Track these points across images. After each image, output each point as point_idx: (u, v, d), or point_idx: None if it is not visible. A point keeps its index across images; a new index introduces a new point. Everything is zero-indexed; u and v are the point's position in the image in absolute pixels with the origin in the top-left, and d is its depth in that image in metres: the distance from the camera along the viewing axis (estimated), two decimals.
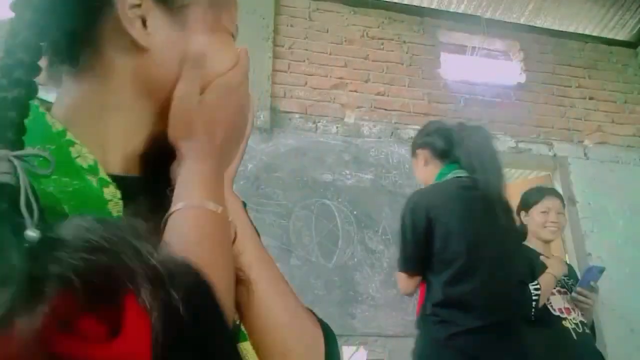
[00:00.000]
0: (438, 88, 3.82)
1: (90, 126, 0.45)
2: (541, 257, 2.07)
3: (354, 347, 2.88)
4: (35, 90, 0.39)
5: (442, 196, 1.69)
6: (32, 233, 0.32)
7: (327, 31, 3.72)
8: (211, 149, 0.47)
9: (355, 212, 3.23)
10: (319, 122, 3.43)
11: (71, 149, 0.43)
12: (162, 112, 0.47)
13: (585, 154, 3.94)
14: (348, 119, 3.51)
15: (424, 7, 4.05)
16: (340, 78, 3.58)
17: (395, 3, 3.96)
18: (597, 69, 4.28)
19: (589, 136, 4.03)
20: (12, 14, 0.41)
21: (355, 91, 3.61)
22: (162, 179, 0.48)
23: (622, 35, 4.45)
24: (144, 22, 0.45)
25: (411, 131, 3.62)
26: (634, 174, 3.93)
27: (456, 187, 1.70)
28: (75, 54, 0.46)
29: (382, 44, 3.84)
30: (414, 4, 4.02)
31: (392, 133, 3.56)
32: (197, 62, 0.47)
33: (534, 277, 1.92)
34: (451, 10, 4.12)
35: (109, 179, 0.43)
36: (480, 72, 4.22)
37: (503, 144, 3.80)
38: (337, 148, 3.37)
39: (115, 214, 0.42)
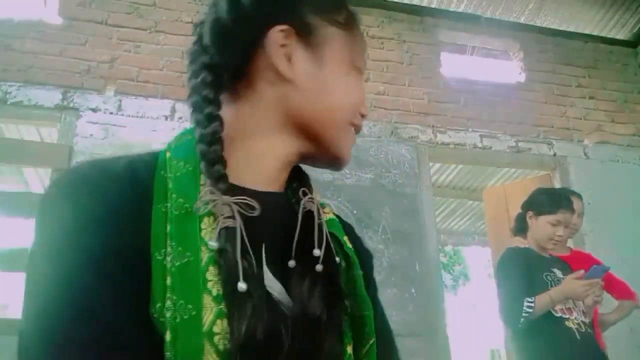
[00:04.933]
0: (438, 87, 3.82)
1: (241, 146, 0.54)
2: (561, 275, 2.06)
3: None
4: (223, 124, 0.51)
5: None
6: (242, 285, 0.43)
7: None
8: None
9: (355, 212, 3.23)
10: None
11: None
12: (299, 136, 0.56)
13: (585, 154, 3.94)
14: None
15: (424, 7, 4.05)
16: None
17: (396, 2, 3.95)
18: (597, 69, 4.28)
19: (589, 135, 4.02)
20: (190, 59, 0.56)
21: None
22: (290, 193, 0.58)
23: (622, 35, 4.45)
24: (289, 58, 0.54)
25: (411, 130, 3.61)
26: (634, 173, 3.93)
27: None
28: (235, 85, 0.55)
29: (382, 43, 3.83)
30: (414, 3, 4.01)
31: (392, 132, 3.56)
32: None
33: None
34: (451, 9, 4.12)
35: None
36: (480, 71, 4.22)
37: (503, 143, 3.79)
38: None
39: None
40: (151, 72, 3.24)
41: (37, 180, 5.01)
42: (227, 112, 0.53)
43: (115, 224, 0.43)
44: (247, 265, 0.45)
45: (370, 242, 3.19)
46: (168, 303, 0.41)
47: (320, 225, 0.53)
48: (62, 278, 0.40)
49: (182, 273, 0.42)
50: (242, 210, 0.46)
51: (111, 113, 3.06)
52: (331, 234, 0.54)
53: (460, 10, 4.13)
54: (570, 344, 1.90)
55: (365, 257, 0.63)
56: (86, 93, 3.08)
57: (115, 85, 3.15)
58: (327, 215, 0.56)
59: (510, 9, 4.19)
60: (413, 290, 3.16)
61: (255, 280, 0.45)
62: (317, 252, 0.51)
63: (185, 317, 0.40)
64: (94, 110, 3.04)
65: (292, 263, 0.50)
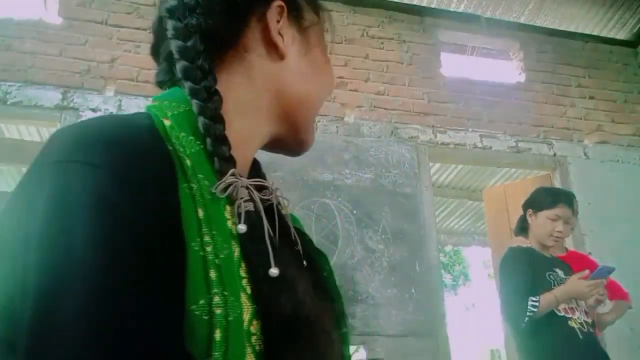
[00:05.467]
0: (438, 87, 3.82)
1: (234, 124, 0.48)
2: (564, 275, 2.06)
3: (354, 347, 2.88)
4: (222, 99, 0.46)
5: None
6: (274, 270, 0.41)
7: (327, 30, 3.71)
8: None
9: (355, 212, 3.23)
10: (318, 121, 3.41)
11: None
12: (277, 117, 0.53)
13: (585, 154, 3.94)
14: (348, 118, 3.51)
15: (424, 7, 4.05)
16: (341, 77, 3.58)
17: (396, 2, 3.95)
18: (597, 69, 4.28)
19: (588, 135, 4.02)
20: (167, 14, 0.48)
21: (355, 90, 3.60)
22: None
23: (622, 35, 4.45)
24: (281, 36, 0.52)
25: (411, 130, 3.61)
26: (634, 173, 3.93)
27: None
28: (221, 54, 0.51)
29: (382, 43, 3.83)
30: (414, 3, 4.01)
31: (392, 132, 3.56)
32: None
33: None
34: (451, 9, 4.12)
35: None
36: (480, 71, 4.22)
37: (503, 143, 3.79)
38: (337, 147, 3.37)
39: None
40: (151, 72, 3.19)
41: None
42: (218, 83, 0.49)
43: (156, 205, 0.37)
44: (279, 248, 0.44)
45: (370, 242, 3.19)
46: (217, 299, 0.37)
47: (283, 219, 0.52)
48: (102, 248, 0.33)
49: (227, 267, 0.39)
50: (257, 193, 0.46)
51: (111, 113, 3.06)
52: (296, 230, 0.54)
53: (460, 10, 4.13)
54: (573, 344, 1.90)
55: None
56: (86, 93, 3.08)
57: (116, 85, 3.15)
58: (285, 210, 0.54)
59: (510, 9, 4.19)
60: (413, 290, 3.16)
61: (288, 263, 0.44)
62: (298, 248, 0.52)
63: (236, 315, 0.38)
64: (94, 110, 3.04)
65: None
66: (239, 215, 0.42)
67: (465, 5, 4.12)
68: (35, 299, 0.32)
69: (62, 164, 0.35)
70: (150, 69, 3.25)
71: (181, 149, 0.41)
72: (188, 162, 0.41)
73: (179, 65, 0.46)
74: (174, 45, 0.47)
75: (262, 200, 0.47)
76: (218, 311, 0.37)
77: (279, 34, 0.52)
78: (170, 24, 0.48)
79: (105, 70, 3.16)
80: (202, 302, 0.37)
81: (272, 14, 0.51)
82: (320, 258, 0.57)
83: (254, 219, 0.44)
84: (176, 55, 0.46)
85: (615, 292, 2.47)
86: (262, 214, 0.44)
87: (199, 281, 0.37)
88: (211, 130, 0.43)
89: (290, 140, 0.56)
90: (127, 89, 3.16)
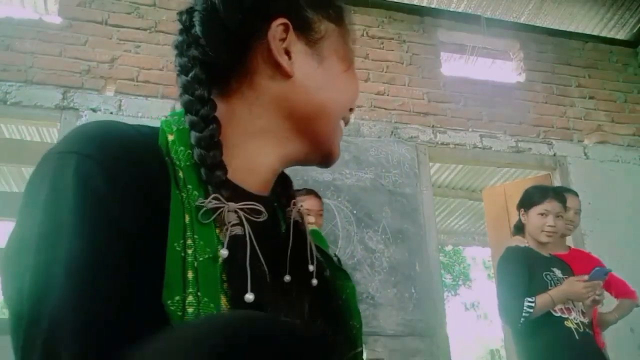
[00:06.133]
0: (438, 87, 3.82)
1: (238, 145, 0.51)
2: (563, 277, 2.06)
3: None
4: (220, 127, 0.48)
5: None
6: (249, 296, 0.42)
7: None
8: None
9: (355, 212, 3.23)
10: None
11: None
12: (295, 134, 0.53)
13: (585, 154, 3.94)
14: None
15: (424, 7, 4.05)
16: None
17: (396, 2, 3.95)
18: (597, 69, 4.28)
19: (588, 135, 4.03)
20: (176, 51, 0.52)
21: None
22: (274, 196, 0.56)
23: (622, 35, 4.45)
24: (287, 54, 0.51)
25: (411, 130, 3.62)
26: (634, 173, 3.93)
27: None
28: (228, 80, 0.52)
29: (382, 43, 3.83)
30: (414, 3, 4.01)
31: (392, 132, 3.56)
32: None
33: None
34: (451, 9, 4.12)
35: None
36: (480, 71, 4.22)
37: (503, 143, 3.80)
38: None
39: None
40: (151, 72, 3.24)
41: None
42: (220, 109, 0.50)
43: (139, 198, 0.41)
44: (260, 274, 0.44)
45: (370, 242, 3.19)
46: (190, 299, 0.40)
47: (304, 236, 0.53)
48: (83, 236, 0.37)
49: (205, 269, 0.41)
50: (248, 216, 0.46)
51: (111, 113, 3.06)
52: (316, 247, 0.54)
53: (460, 10, 4.13)
54: (569, 344, 1.90)
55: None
56: (86, 93, 3.08)
57: (116, 85, 3.15)
58: (310, 226, 0.56)
59: (510, 9, 4.19)
60: (413, 290, 3.16)
61: (266, 290, 0.44)
62: (311, 267, 0.52)
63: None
64: (94, 110, 3.04)
65: (287, 278, 0.51)
66: (225, 239, 0.44)
67: (465, 5, 4.12)
68: (35, 265, 0.37)
69: (62, 154, 0.41)
70: (150, 68, 3.25)
71: (177, 162, 0.45)
72: (181, 174, 0.45)
73: (181, 100, 0.49)
74: (178, 80, 0.50)
75: (257, 222, 0.47)
76: (190, 310, 0.39)
77: (286, 51, 0.51)
78: (175, 60, 0.52)
79: (105, 70, 3.16)
80: (177, 298, 0.40)
81: (274, 34, 0.50)
82: (342, 277, 0.56)
83: (241, 242, 0.44)
84: (179, 90, 0.50)
85: (621, 290, 2.44)
86: (249, 238, 0.45)
87: (177, 279, 0.40)
88: (206, 160, 0.46)
89: (314, 154, 0.56)
90: (127, 89, 3.16)
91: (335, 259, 0.58)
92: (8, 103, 2.93)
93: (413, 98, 3.73)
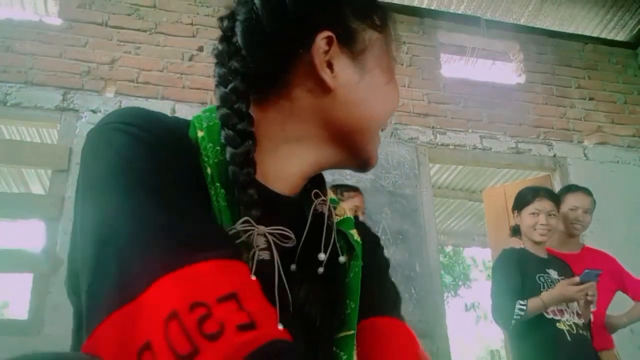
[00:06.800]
0: (438, 89, 3.82)
1: (271, 150, 0.51)
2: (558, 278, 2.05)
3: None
4: (256, 143, 0.48)
5: None
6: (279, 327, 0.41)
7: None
8: None
9: None
10: None
11: None
12: (332, 144, 0.53)
13: (585, 155, 3.94)
14: None
15: (423, 8, 4.05)
16: None
17: (395, 3, 3.96)
18: (597, 70, 4.28)
19: (588, 136, 4.03)
20: (215, 61, 0.51)
21: None
22: (304, 194, 0.56)
23: (622, 36, 4.45)
24: (330, 66, 0.50)
25: (411, 132, 3.62)
26: (634, 174, 3.93)
27: None
28: (265, 90, 0.51)
29: None
30: (414, 4, 4.02)
31: (392, 133, 3.56)
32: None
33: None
34: (451, 11, 4.12)
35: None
36: (480, 72, 4.22)
37: (503, 144, 3.80)
38: None
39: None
40: (151, 73, 3.24)
41: (37, 181, 5.01)
42: (255, 116, 0.49)
43: (171, 167, 0.44)
44: (285, 304, 0.45)
45: None
46: None
47: (329, 227, 0.53)
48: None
49: None
50: (276, 241, 0.46)
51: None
52: (339, 231, 0.54)
53: (460, 11, 4.13)
54: (561, 346, 1.90)
55: (370, 246, 0.63)
56: (86, 94, 3.08)
57: (116, 87, 3.15)
58: (340, 217, 0.56)
59: (510, 11, 4.20)
60: (413, 291, 3.16)
61: (289, 321, 0.43)
62: (322, 256, 0.51)
63: None
64: (94, 111, 3.05)
65: (293, 267, 0.51)
66: (253, 265, 0.43)
67: (465, 7, 4.12)
68: (94, 216, 0.41)
69: (108, 124, 0.45)
70: (150, 70, 3.25)
71: (206, 158, 0.46)
72: (209, 170, 0.46)
73: (218, 113, 0.49)
74: (216, 91, 0.50)
75: (281, 244, 0.47)
76: None
77: (328, 64, 0.50)
78: (215, 71, 0.51)
79: (105, 72, 3.17)
80: None
81: (318, 48, 0.49)
82: (354, 257, 0.56)
83: (267, 267, 0.44)
84: (218, 102, 0.49)
85: (638, 292, 2.38)
86: (277, 265, 0.45)
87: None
88: (239, 178, 0.46)
89: (351, 160, 0.56)
90: (127, 90, 3.16)
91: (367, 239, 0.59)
92: (8, 104, 2.94)
93: (413, 99, 3.73)
